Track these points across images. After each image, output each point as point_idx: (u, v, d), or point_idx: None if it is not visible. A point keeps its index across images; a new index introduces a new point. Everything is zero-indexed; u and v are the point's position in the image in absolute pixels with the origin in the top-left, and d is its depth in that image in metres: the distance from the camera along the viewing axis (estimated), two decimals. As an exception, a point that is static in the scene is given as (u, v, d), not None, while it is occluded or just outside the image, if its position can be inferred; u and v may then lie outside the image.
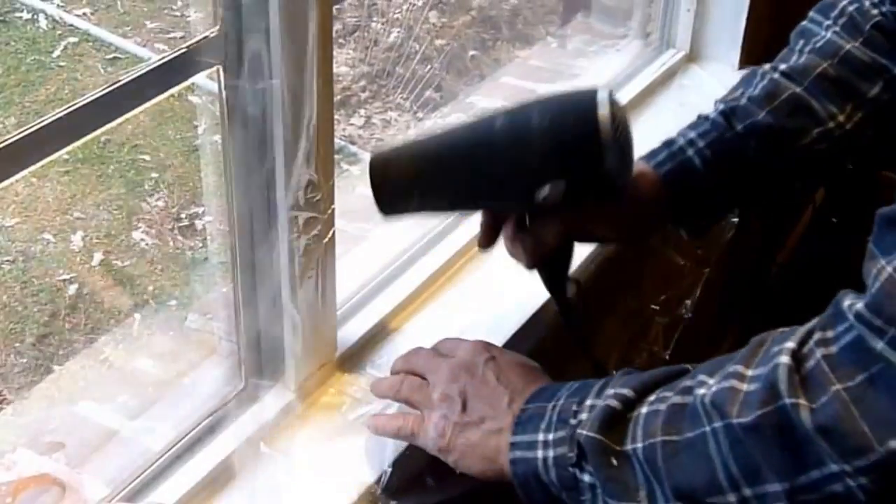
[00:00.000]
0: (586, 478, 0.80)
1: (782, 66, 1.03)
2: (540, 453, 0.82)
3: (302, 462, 0.94)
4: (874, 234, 0.72)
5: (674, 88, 1.51)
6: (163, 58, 0.81)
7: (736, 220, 1.30)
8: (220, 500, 0.91)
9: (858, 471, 0.68)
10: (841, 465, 0.68)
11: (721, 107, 1.03)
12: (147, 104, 0.82)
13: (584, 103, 0.88)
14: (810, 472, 0.70)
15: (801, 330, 0.74)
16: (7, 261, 2.34)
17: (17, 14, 2.96)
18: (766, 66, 1.04)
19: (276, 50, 0.83)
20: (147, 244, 2.42)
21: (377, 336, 1.07)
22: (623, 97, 1.45)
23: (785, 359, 0.72)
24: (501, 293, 1.13)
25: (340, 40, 2.61)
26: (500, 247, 1.22)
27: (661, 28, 1.56)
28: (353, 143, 2.54)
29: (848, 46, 1.02)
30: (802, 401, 0.70)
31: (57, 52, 2.89)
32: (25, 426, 1.33)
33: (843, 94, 1.01)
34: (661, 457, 0.76)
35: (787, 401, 0.70)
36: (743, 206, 1.19)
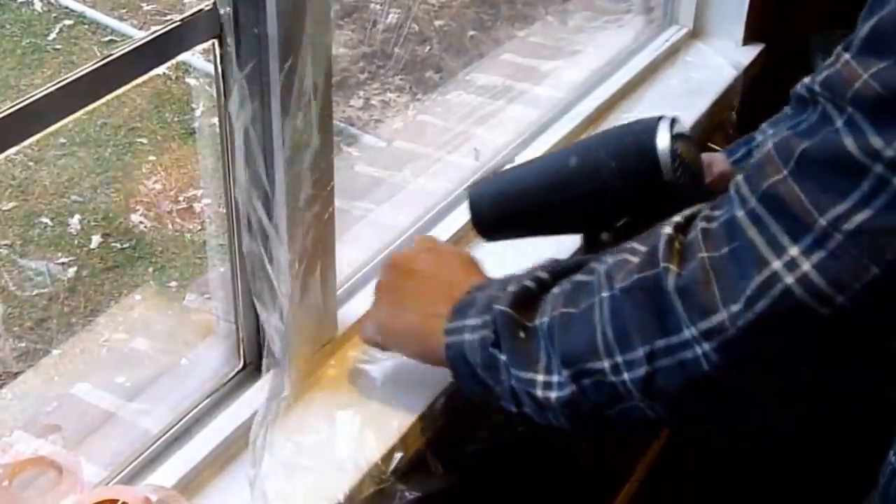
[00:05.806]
0: (503, 357, 0.82)
1: None
2: (467, 336, 0.86)
3: (304, 442, 0.93)
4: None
5: (678, 65, 1.49)
6: (157, 31, 0.81)
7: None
8: (221, 481, 0.90)
9: (703, 335, 0.69)
10: (691, 330, 0.70)
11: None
12: (142, 77, 0.81)
13: (643, 139, 0.93)
14: (670, 336, 0.71)
15: (695, 207, 0.76)
16: (5, 245, 2.33)
17: (13, -4, 2.94)
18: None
19: (272, 26, 0.82)
20: (146, 227, 2.40)
21: (378, 315, 1.06)
22: (626, 74, 1.44)
23: (668, 229, 0.74)
24: (502, 271, 1.11)
25: (339, 21, 2.58)
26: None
27: (664, 4, 1.54)
28: (352, 124, 2.53)
29: None
30: (673, 266, 0.72)
31: (52, 35, 2.87)
32: (23, 409, 1.32)
33: None
34: (558, 328, 0.79)
35: (662, 265, 0.72)
36: None
